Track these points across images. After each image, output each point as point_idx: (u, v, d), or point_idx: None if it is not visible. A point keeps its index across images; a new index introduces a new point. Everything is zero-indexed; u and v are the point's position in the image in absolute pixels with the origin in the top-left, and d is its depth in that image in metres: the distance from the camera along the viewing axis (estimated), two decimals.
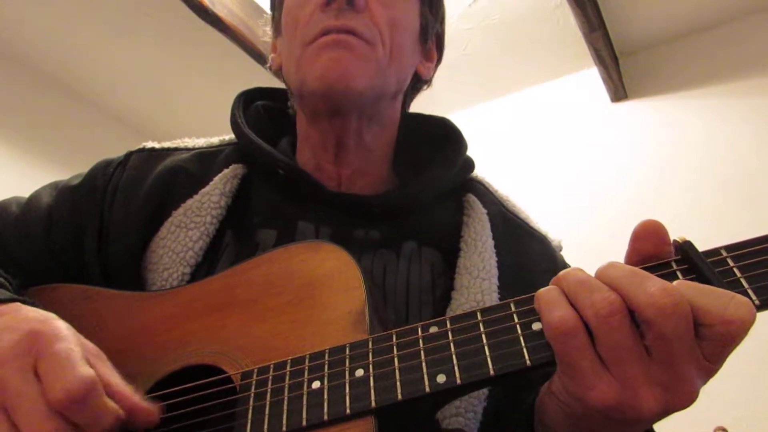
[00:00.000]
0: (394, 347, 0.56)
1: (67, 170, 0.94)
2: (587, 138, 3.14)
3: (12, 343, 0.54)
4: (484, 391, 0.72)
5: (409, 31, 0.86)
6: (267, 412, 0.56)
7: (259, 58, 2.69)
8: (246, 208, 0.84)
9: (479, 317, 0.55)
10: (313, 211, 0.82)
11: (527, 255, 0.85)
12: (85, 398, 0.51)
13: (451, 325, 0.55)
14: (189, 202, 0.82)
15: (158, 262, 0.78)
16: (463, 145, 0.92)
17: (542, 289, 0.52)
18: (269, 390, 0.58)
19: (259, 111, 0.94)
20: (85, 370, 0.52)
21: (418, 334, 0.56)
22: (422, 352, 0.55)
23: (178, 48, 3.16)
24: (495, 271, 0.79)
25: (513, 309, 0.54)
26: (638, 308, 0.46)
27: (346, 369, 0.56)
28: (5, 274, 0.74)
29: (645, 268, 0.51)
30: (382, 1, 0.81)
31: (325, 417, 0.54)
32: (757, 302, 0.47)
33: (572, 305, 0.49)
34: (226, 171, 0.85)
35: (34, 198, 0.87)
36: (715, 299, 0.46)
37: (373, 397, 0.53)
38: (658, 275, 0.49)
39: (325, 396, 0.55)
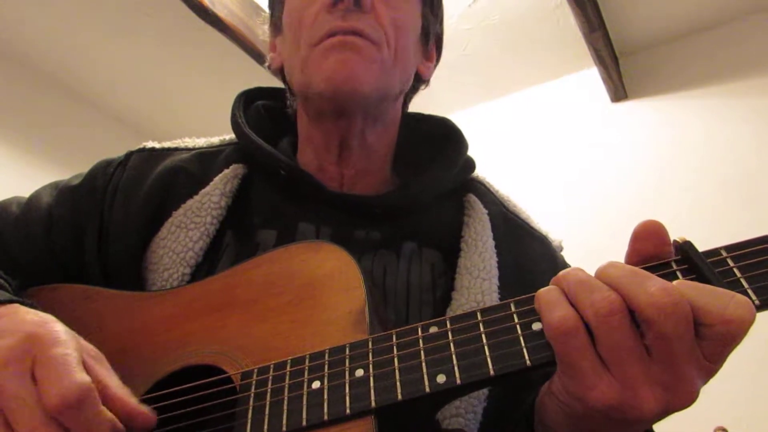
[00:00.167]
0: (394, 347, 0.56)
1: (67, 170, 0.94)
2: (587, 138, 3.14)
3: (9, 346, 0.53)
4: (484, 391, 0.72)
5: (412, 32, 0.86)
6: (267, 412, 0.56)
7: (259, 58, 2.69)
8: (246, 208, 0.84)
9: (479, 317, 0.55)
10: (314, 211, 0.82)
11: (528, 255, 0.85)
12: (79, 404, 0.51)
13: (451, 325, 0.55)
14: (189, 202, 0.82)
15: (158, 262, 0.78)
16: (463, 146, 0.92)
17: (542, 289, 0.52)
18: (269, 390, 0.58)
19: (260, 111, 0.94)
20: (81, 376, 0.52)
21: (418, 334, 0.56)
22: (422, 352, 0.55)
23: (178, 48, 3.16)
24: (495, 272, 0.79)
25: (513, 309, 0.54)
26: (638, 308, 0.46)
27: (346, 369, 0.56)
28: (5, 275, 0.74)
29: (645, 268, 0.51)
30: (386, 2, 0.81)
31: (325, 417, 0.54)
32: (757, 302, 0.47)
33: (572, 305, 0.49)
34: (226, 171, 0.85)
35: (35, 198, 0.87)
36: (715, 299, 0.46)
37: (373, 397, 0.53)
38: (658, 275, 0.49)
39: (325, 396, 0.55)
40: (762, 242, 0.50)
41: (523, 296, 0.55)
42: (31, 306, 0.62)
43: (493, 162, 2.48)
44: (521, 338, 0.52)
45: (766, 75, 2.82)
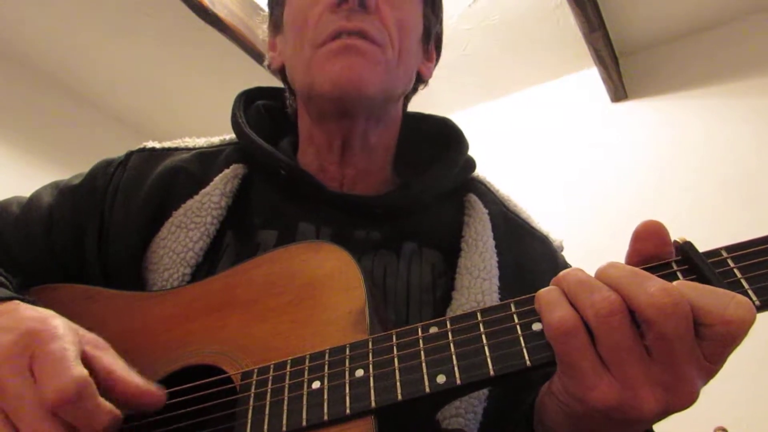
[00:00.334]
0: (394, 347, 0.56)
1: (67, 170, 0.94)
2: (587, 138, 3.14)
3: (9, 343, 0.53)
4: (484, 391, 0.72)
5: (415, 32, 0.86)
6: (267, 412, 0.56)
7: (259, 58, 2.69)
8: (246, 208, 0.84)
9: (479, 317, 0.55)
10: (314, 211, 0.82)
11: (528, 255, 0.85)
12: (77, 399, 0.51)
13: (451, 325, 0.55)
14: (189, 202, 0.82)
15: (159, 262, 0.78)
16: (464, 146, 0.92)
17: (542, 290, 0.52)
18: (269, 390, 0.58)
19: (260, 111, 0.94)
20: (77, 371, 0.52)
21: (418, 334, 0.56)
22: (422, 352, 0.54)
23: (178, 48, 3.16)
24: (496, 272, 0.79)
25: (513, 309, 0.54)
26: (638, 308, 0.46)
27: (346, 369, 0.56)
28: (5, 273, 0.74)
29: (645, 269, 0.51)
30: (390, 3, 0.81)
31: (325, 417, 0.54)
32: (757, 303, 0.47)
33: (572, 305, 0.49)
34: (226, 171, 0.85)
35: (35, 198, 0.87)
36: (715, 299, 0.46)
37: (373, 398, 0.53)
38: (658, 275, 0.49)
39: (325, 396, 0.55)
40: (763, 243, 0.50)
41: (523, 296, 0.55)
42: (32, 303, 0.62)
43: (493, 162, 2.48)
44: (521, 338, 0.52)
45: (766, 75, 2.82)
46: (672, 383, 0.47)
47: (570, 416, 0.53)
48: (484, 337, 0.53)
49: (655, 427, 0.58)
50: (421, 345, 0.55)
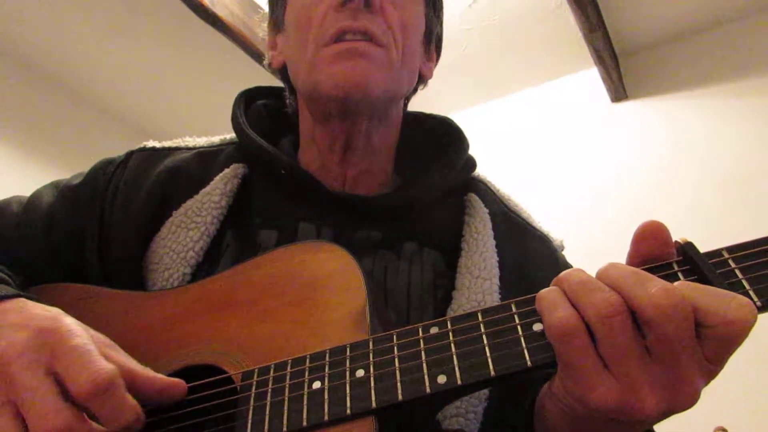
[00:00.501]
0: (395, 348, 0.56)
1: (67, 170, 0.94)
2: (587, 138, 3.15)
3: (22, 340, 0.54)
4: (485, 391, 0.72)
5: (418, 33, 0.86)
6: (268, 412, 0.56)
7: (259, 58, 2.67)
8: (247, 208, 0.84)
9: (480, 318, 0.55)
10: (315, 211, 0.82)
11: (529, 254, 0.85)
12: (108, 390, 0.52)
13: (451, 325, 0.55)
14: (190, 202, 0.82)
15: (159, 262, 0.78)
16: (465, 145, 0.92)
17: (543, 290, 0.52)
18: (270, 390, 0.58)
19: (260, 110, 0.94)
20: (107, 363, 0.53)
21: (418, 334, 0.56)
22: (423, 352, 0.54)
23: (178, 48, 3.16)
24: (496, 271, 0.79)
25: (514, 310, 0.54)
26: (639, 309, 0.46)
27: (347, 369, 0.56)
28: (8, 270, 0.74)
29: (646, 269, 0.51)
30: (394, 2, 0.81)
31: (326, 417, 0.54)
32: (758, 303, 0.47)
33: (573, 306, 0.49)
34: (227, 171, 0.85)
35: (35, 197, 0.87)
36: (716, 300, 0.46)
37: (373, 398, 0.53)
38: (659, 276, 0.49)
39: (326, 396, 0.55)
40: (764, 243, 0.50)
41: (524, 297, 0.55)
42: (37, 301, 0.62)
43: (493, 162, 2.48)
44: (522, 339, 0.52)
45: (766, 75, 2.82)
46: (673, 384, 0.47)
47: (570, 417, 0.53)
48: (484, 337, 0.53)
49: (655, 427, 0.58)
50: (422, 345, 0.55)
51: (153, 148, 0.90)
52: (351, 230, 0.81)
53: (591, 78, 3.17)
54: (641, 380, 0.46)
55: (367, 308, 0.61)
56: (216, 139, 0.93)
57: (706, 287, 0.47)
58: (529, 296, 0.54)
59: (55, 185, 0.89)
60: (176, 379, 0.59)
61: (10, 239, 0.82)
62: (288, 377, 0.58)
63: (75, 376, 0.52)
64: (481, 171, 0.94)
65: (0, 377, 0.53)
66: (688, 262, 0.51)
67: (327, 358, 0.58)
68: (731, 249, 0.51)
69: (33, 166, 3.16)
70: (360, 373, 0.55)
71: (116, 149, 0.93)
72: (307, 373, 0.57)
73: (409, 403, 0.53)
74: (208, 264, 0.79)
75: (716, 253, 0.51)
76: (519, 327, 0.53)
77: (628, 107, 3.12)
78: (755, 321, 0.45)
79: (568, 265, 0.88)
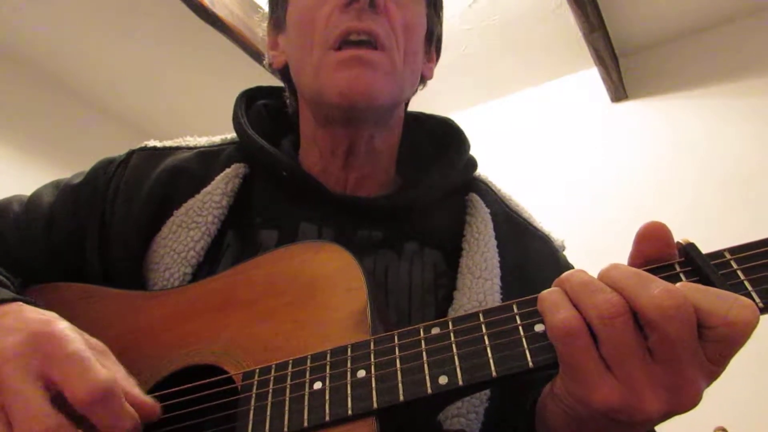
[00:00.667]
0: (396, 348, 0.56)
1: (67, 170, 0.94)
2: (587, 138, 3.15)
3: (14, 344, 0.53)
4: (487, 391, 0.72)
5: (420, 33, 0.86)
6: (268, 412, 0.56)
7: (259, 57, 2.67)
8: (248, 207, 0.84)
9: (482, 318, 0.55)
10: (316, 211, 0.82)
11: (530, 255, 0.85)
12: (107, 398, 0.52)
13: (453, 326, 0.55)
14: (191, 201, 0.82)
15: (160, 261, 0.78)
16: (466, 146, 0.92)
17: (545, 291, 0.52)
18: (271, 390, 0.58)
19: (261, 111, 0.94)
20: (106, 371, 0.53)
21: (420, 335, 0.56)
22: (424, 353, 0.54)
23: (178, 48, 3.16)
24: (497, 271, 0.79)
25: (516, 310, 0.54)
26: (641, 310, 0.46)
27: (348, 370, 0.56)
28: (6, 273, 0.74)
29: (648, 270, 0.51)
30: (397, 3, 0.81)
31: (327, 418, 0.54)
32: (760, 305, 0.47)
33: (575, 307, 0.49)
34: (228, 170, 0.85)
35: (36, 197, 0.87)
36: (718, 301, 0.46)
37: (374, 398, 0.53)
38: (661, 277, 0.49)
39: (327, 397, 0.55)
40: (766, 244, 0.50)
41: (526, 298, 0.54)
42: (34, 305, 0.62)
43: (494, 162, 2.48)
44: (524, 340, 0.52)
45: (766, 75, 2.82)
46: (675, 385, 0.46)
47: (572, 418, 0.53)
48: (486, 338, 0.53)
49: (655, 427, 0.58)
50: (423, 346, 0.55)
51: (154, 148, 0.90)
52: (352, 230, 0.81)
53: (591, 78, 3.18)
54: (643, 381, 0.46)
55: (369, 308, 0.61)
56: (217, 139, 0.93)
57: (708, 288, 0.47)
58: (530, 297, 0.54)
59: (55, 185, 0.89)
60: (151, 401, 0.58)
61: (11, 239, 0.82)
62: (289, 377, 0.58)
63: (74, 385, 0.51)
64: (481, 171, 0.94)
65: None
66: (690, 263, 0.51)
67: (328, 359, 0.57)
68: (733, 250, 0.51)
69: (33, 166, 3.15)
70: (361, 373, 0.55)
71: (116, 149, 0.93)
72: (308, 374, 0.57)
73: (410, 404, 0.53)
74: (208, 264, 0.79)
75: (718, 254, 0.51)
76: (521, 328, 0.53)
77: (628, 107, 3.12)
78: (758, 322, 0.45)
79: (569, 266, 0.89)
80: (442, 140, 0.93)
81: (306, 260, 0.68)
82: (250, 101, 0.94)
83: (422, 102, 0.98)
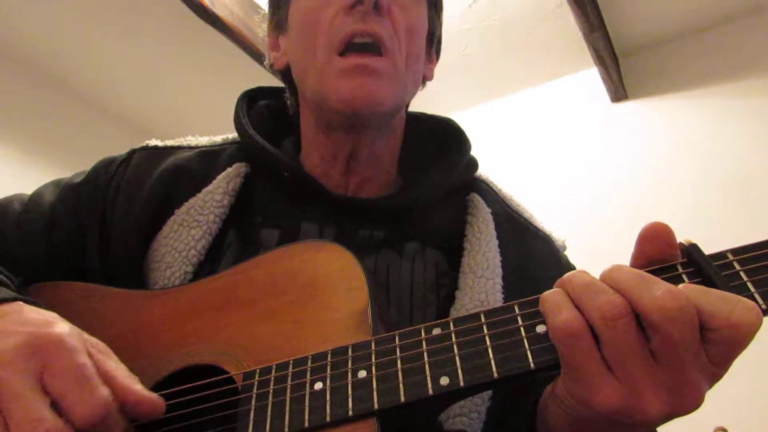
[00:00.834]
0: (397, 349, 0.56)
1: (67, 170, 0.94)
2: (587, 138, 3.14)
3: (15, 345, 0.53)
4: (488, 391, 0.72)
5: (423, 37, 0.86)
6: (269, 412, 0.56)
7: (259, 58, 2.69)
8: (249, 207, 0.84)
9: (483, 319, 0.55)
10: (317, 211, 0.82)
11: (531, 254, 0.85)
12: (104, 420, 0.52)
13: (454, 326, 0.55)
14: (192, 200, 0.82)
15: (161, 260, 0.78)
16: (467, 146, 0.92)
17: (547, 292, 0.52)
18: (271, 390, 0.58)
19: (262, 111, 0.93)
20: (103, 392, 0.53)
21: (421, 335, 0.56)
22: (425, 353, 0.54)
23: (178, 48, 3.16)
24: (499, 271, 0.79)
25: (517, 311, 0.54)
26: (644, 312, 0.46)
27: (349, 370, 0.56)
28: (7, 272, 0.74)
29: (650, 271, 0.50)
30: (400, 5, 0.81)
31: (328, 418, 0.54)
32: (763, 306, 0.47)
33: (577, 308, 0.49)
34: (229, 170, 0.84)
35: (36, 196, 0.86)
36: (721, 303, 0.45)
37: (375, 399, 0.53)
38: (663, 278, 0.49)
39: (328, 397, 0.55)
40: None
41: (528, 298, 0.54)
42: (35, 304, 0.62)
43: (494, 163, 2.48)
44: (525, 340, 0.52)
45: (766, 75, 2.82)
46: (677, 387, 0.46)
47: (573, 419, 0.53)
48: (487, 338, 0.53)
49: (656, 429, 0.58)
50: (425, 346, 0.55)
51: (155, 147, 0.90)
52: (353, 230, 0.81)
53: (591, 78, 3.17)
54: (645, 383, 0.46)
55: (369, 308, 0.61)
56: (218, 139, 0.93)
57: (710, 290, 0.47)
58: (532, 298, 0.54)
59: (56, 184, 0.88)
60: (155, 397, 0.58)
61: (12, 238, 0.82)
62: (290, 377, 0.58)
63: (72, 404, 0.52)
64: (482, 171, 0.94)
65: None
66: (693, 264, 0.51)
67: (329, 359, 0.57)
68: (736, 251, 0.51)
69: (33, 166, 3.15)
70: (362, 373, 0.55)
71: (116, 149, 0.93)
72: (308, 374, 0.57)
73: (411, 405, 0.52)
74: (209, 263, 0.79)
75: (721, 255, 0.51)
76: (522, 329, 0.53)
77: (628, 107, 3.12)
78: (760, 324, 0.45)
79: (570, 266, 0.89)
80: (443, 140, 0.93)
81: (307, 260, 0.68)
82: (252, 102, 0.94)
83: (422, 102, 0.98)
